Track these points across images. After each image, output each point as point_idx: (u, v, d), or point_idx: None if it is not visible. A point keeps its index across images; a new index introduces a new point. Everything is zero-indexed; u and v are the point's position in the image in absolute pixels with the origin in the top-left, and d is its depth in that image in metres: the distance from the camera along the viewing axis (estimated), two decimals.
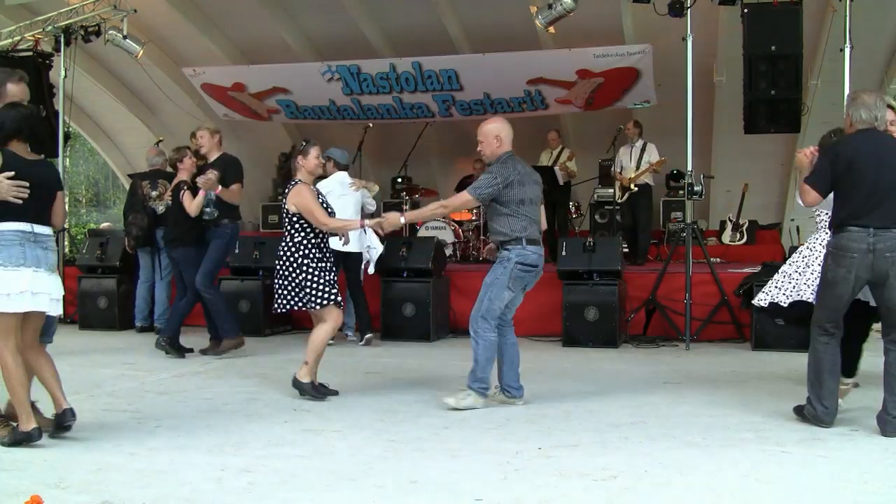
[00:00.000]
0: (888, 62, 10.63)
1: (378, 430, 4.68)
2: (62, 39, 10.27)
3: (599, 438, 4.51)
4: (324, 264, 5.58)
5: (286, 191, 5.62)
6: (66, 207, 4.56)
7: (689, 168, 8.21)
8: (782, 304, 5.56)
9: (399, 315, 8.24)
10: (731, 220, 11.38)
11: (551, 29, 9.61)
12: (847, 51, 8.07)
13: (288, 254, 5.53)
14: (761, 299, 5.74)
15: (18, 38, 10.56)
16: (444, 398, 5.22)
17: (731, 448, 4.33)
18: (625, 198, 10.18)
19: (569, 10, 9.07)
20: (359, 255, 8.00)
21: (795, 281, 5.53)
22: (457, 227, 11.02)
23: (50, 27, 10.32)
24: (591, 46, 10.14)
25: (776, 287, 5.65)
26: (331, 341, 8.15)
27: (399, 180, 12.69)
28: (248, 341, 8.13)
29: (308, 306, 5.51)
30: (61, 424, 4.37)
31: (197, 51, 12.04)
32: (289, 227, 5.59)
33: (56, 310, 4.41)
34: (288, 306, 5.57)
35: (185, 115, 11.88)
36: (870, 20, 9.07)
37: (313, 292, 5.48)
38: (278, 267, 5.57)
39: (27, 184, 4.21)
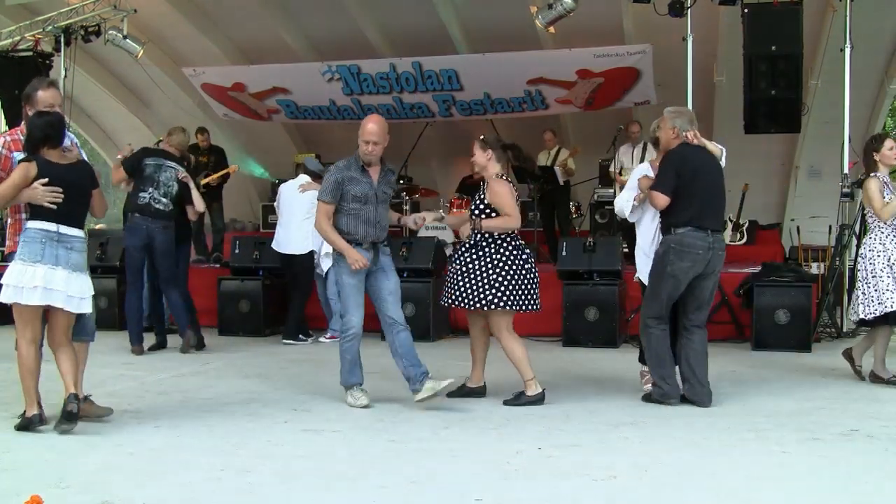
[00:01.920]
0: (888, 62, 10.62)
1: (378, 430, 4.68)
2: (62, 39, 10.29)
3: (599, 438, 4.51)
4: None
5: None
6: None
7: None
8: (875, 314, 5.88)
9: None
10: (731, 220, 11.35)
11: (551, 29, 9.61)
12: (847, 51, 8.08)
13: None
14: (864, 313, 5.96)
15: (18, 38, 10.57)
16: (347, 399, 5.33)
17: (731, 448, 4.33)
18: None
19: (569, 10, 9.07)
20: (303, 258, 8.14)
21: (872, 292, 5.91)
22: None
23: (50, 27, 10.34)
24: (591, 46, 10.13)
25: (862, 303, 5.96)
26: (323, 339, 8.16)
27: (399, 180, 12.69)
28: (249, 341, 8.17)
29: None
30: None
31: (197, 51, 12.04)
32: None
33: (78, 307, 4.58)
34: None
35: (186, 115, 11.87)
36: (870, 20, 9.07)
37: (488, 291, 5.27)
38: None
39: (61, 189, 4.48)
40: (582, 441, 4.45)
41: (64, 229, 4.52)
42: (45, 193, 4.45)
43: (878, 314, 5.85)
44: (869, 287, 5.92)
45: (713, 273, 5.29)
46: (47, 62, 10.55)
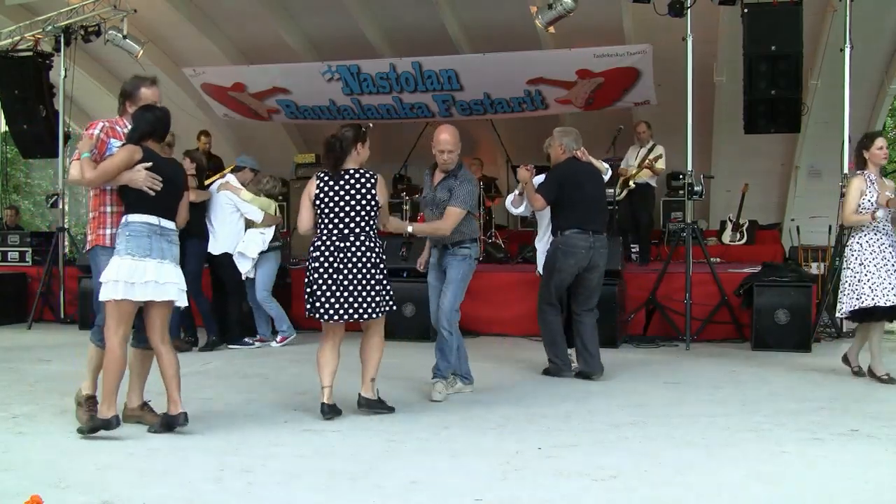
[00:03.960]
0: (888, 62, 10.63)
1: (378, 430, 4.68)
2: (62, 39, 10.30)
3: (599, 438, 4.51)
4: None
5: (374, 182, 4.90)
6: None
7: (689, 168, 8.22)
8: (852, 308, 6.05)
9: (399, 315, 8.22)
10: (731, 220, 11.36)
11: (551, 29, 9.60)
12: (847, 51, 8.07)
13: (370, 253, 4.84)
14: (841, 312, 6.19)
15: (18, 38, 10.58)
16: (433, 397, 5.50)
17: (731, 448, 4.33)
18: (622, 195, 9.99)
19: (569, 10, 9.07)
20: (220, 259, 8.03)
21: (855, 286, 6.02)
22: None
23: (50, 27, 10.35)
24: (591, 46, 10.13)
25: (846, 295, 6.09)
26: (275, 343, 8.00)
27: (398, 180, 12.70)
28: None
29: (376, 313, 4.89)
30: (171, 425, 4.53)
31: (197, 51, 12.04)
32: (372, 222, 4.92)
33: (184, 300, 4.60)
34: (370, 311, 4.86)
35: (186, 116, 11.87)
36: (870, 20, 9.07)
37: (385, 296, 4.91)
38: (359, 267, 4.81)
39: (161, 177, 4.47)
40: (582, 441, 4.45)
41: (164, 223, 4.52)
42: (146, 178, 4.42)
43: (854, 309, 6.00)
44: (846, 284, 6.06)
45: (597, 266, 6.19)
46: (47, 62, 10.56)
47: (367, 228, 4.87)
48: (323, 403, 4.88)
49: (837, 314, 6.33)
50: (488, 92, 10.98)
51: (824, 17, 9.43)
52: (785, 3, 8.07)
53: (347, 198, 4.85)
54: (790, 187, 11.96)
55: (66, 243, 10.77)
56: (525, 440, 4.43)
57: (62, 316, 9.88)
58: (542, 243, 6.56)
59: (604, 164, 6.55)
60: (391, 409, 5.08)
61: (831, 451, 4.26)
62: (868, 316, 6.03)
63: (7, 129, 11.93)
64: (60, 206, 10.52)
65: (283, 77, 11.33)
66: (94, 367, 4.70)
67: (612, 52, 10.02)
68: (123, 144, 4.56)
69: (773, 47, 8.03)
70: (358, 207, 4.84)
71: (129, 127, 4.66)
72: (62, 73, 10.29)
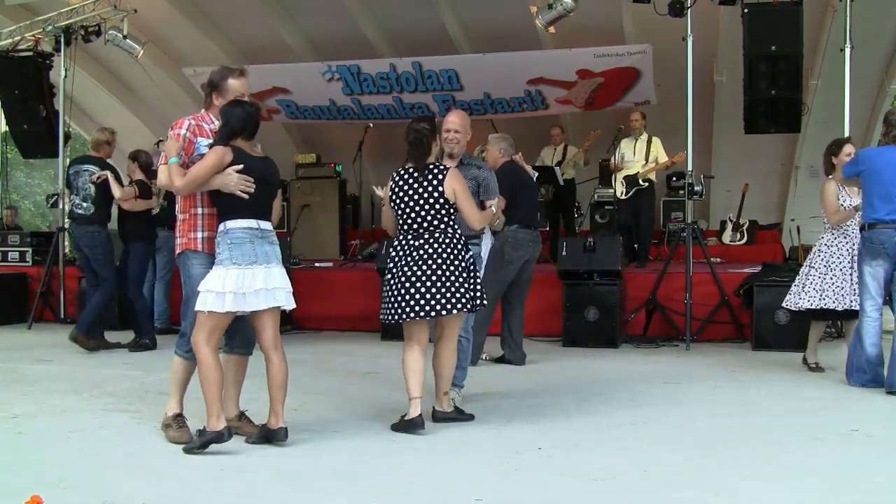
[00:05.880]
0: (888, 62, 10.62)
1: (378, 430, 4.68)
2: (62, 39, 10.30)
3: (599, 438, 4.51)
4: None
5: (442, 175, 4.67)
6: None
7: (689, 168, 8.22)
8: (812, 307, 6.33)
9: None
10: (731, 220, 11.36)
11: (551, 29, 9.60)
12: (847, 51, 8.07)
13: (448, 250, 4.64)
14: (790, 303, 6.50)
15: (18, 38, 10.58)
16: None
17: (731, 448, 4.32)
18: (630, 193, 9.73)
19: (569, 10, 9.07)
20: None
21: (819, 285, 6.27)
22: None
23: (50, 27, 10.35)
24: (591, 46, 10.13)
25: (806, 291, 6.35)
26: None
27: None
28: None
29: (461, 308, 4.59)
30: (269, 439, 4.35)
31: (197, 51, 12.04)
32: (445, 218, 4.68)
33: (291, 303, 4.35)
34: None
35: (185, 116, 11.87)
36: (870, 20, 9.06)
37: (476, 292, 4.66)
38: (436, 265, 4.60)
39: (253, 179, 4.23)
40: (582, 441, 4.45)
41: (263, 224, 4.28)
42: (238, 181, 4.18)
43: (814, 308, 6.27)
44: (807, 280, 6.32)
45: (534, 259, 6.84)
46: (47, 62, 10.56)
47: (441, 224, 4.66)
48: (414, 418, 4.56)
49: (785, 304, 6.52)
50: (488, 92, 10.98)
51: (824, 17, 9.43)
52: (785, 3, 8.07)
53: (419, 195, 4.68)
54: (790, 187, 11.96)
55: (66, 243, 10.76)
56: (525, 440, 4.43)
57: (62, 316, 9.88)
58: (485, 244, 6.22)
59: (531, 168, 7.31)
60: (471, 417, 4.89)
61: (831, 451, 4.26)
62: (820, 315, 6.42)
63: (7, 129, 11.94)
64: (60, 206, 10.51)
65: (283, 77, 11.33)
66: (181, 382, 4.47)
67: (612, 52, 10.02)
68: (212, 143, 4.32)
69: (773, 47, 8.03)
70: (427, 206, 4.65)
71: (216, 123, 4.41)
72: (62, 73, 10.29)
